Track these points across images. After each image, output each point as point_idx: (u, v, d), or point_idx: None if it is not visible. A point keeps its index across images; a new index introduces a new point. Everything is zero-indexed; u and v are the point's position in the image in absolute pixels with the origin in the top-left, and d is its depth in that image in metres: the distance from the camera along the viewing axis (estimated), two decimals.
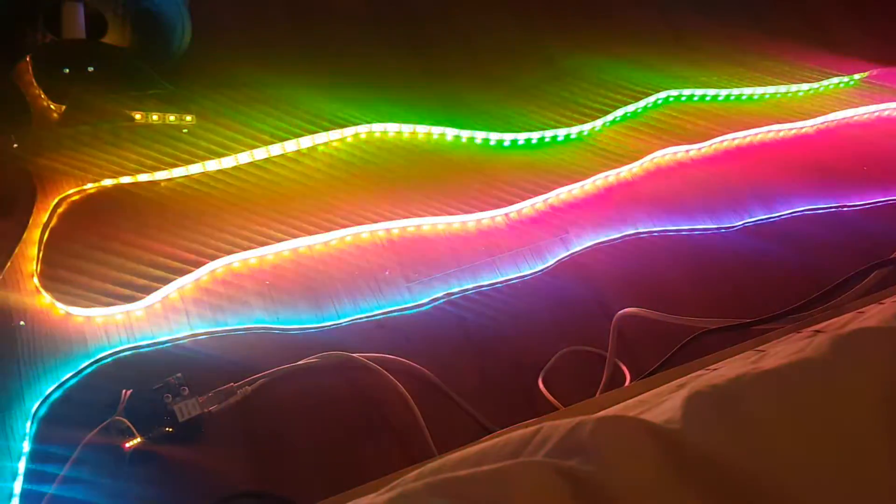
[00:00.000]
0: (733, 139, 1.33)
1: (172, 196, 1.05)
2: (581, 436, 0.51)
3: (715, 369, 0.72)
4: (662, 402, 0.60)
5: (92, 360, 0.91)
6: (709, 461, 0.50)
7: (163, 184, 1.06)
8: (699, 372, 0.74)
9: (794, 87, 1.43)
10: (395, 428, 0.94)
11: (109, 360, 0.92)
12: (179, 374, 0.91)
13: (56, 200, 1.00)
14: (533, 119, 1.25)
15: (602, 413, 0.59)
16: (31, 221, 0.98)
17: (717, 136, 1.32)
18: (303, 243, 1.05)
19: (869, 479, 0.52)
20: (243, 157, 1.10)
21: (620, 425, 0.52)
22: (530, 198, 1.16)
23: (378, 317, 1.02)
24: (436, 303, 1.05)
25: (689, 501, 0.49)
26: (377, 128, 1.17)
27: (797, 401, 0.55)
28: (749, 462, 0.50)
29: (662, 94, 1.34)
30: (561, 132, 1.25)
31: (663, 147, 1.28)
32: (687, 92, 1.36)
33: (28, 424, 0.85)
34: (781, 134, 1.37)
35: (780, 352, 0.65)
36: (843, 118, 1.42)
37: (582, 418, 0.52)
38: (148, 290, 0.96)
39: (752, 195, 1.26)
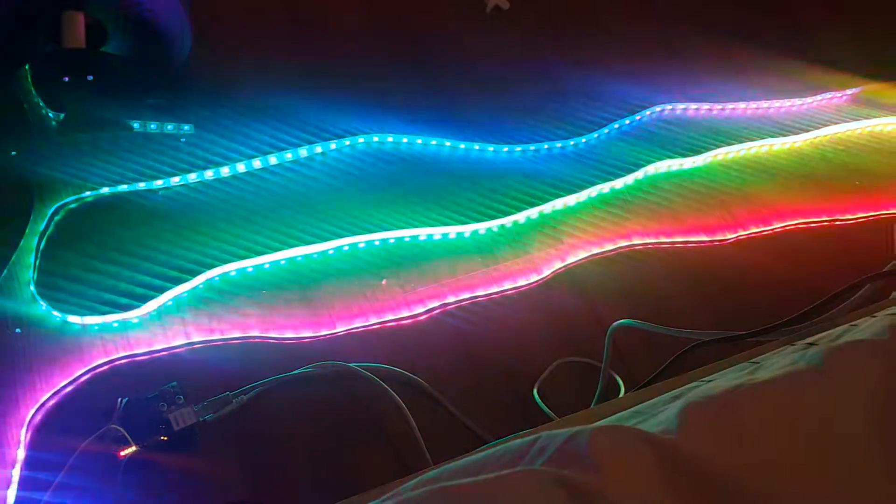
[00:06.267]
0: (727, 152, 1.34)
1: (170, 205, 1.05)
2: (579, 445, 0.51)
3: (709, 381, 0.73)
4: (658, 413, 0.60)
5: (87, 368, 0.91)
6: (705, 471, 0.51)
7: (160, 193, 1.06)
8: (694, 383, 0.74)
9: (787, 101, 1.44)
10: (391, 437, 0.94)
11: (105, 368, 0.92)
12: (175, 383, 0.90)
13: (53, 208, 1.00)
14: (529, 130, 1.26)
15: (599, 423, 0.59)
16: (27, 229, 0.98)
17: (711, 149, 1.33)
18: (299, 253, 1.05)
19: (862, 488, 0.52)
20: (241, 167, 1.10)
21: (618, 435, 0.52)
22: (526, 208, 1.17)
23: (374, 326, 1.02)
24: (432, 313, 1.05)
25: None
26: (374, 138, 1.18)
27: (792, 412, 0.55)
28: (745, 472, 0.51)
29: (657, 107, 1.35)
30: (557, 144, 1.26)
31: (657, 159, 1.28)
32: (681, 105, 1.37)
33: (22, 432, 0.85)
34: (775, 147, 1.38)
35: (775, 364, 0.66)
36: (836, 132, 1.44)
37: (580, 428, 0.52)
38: (144, 299, 0.96)
39: (745, 208, 1.27)
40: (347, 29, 1.31)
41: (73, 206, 1.02)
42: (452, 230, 1.12)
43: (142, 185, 1.05)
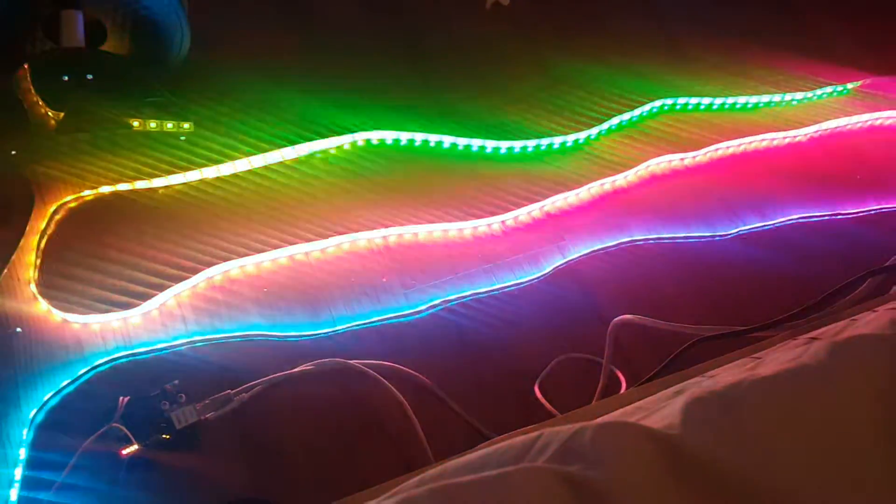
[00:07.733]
0: (727, 147, 1.34)
1: (170, 203, 1.05)
2: (582, 442, 0.51)
3: (712, 376, 0.73)
4: (661, 409, 0.60)
5: (89, 367, 0.91)
6: (708, 466, 0.50)
7: (160, 191, 1.06)
8: (696, 378, 0.74)
9: (787, 96, 1.44)
10: (392, 435, 0.94)
11: (106, 367, 0.92)
12: (177, 381, 0.90)
13: (54, 207, 1.00)
14: (529, 127, 1.26)
15: (602, 419, 0.59)
16: (28, 228, 0.98)
17: (712, 144, 1.33)
18: (300, 250, 1.05)
19: (865, 482, 0.52)
20: (241, 165, 1.10)
21: (621, 431, 0.52)
22: (526, 205, 1.17)
23: (375, 324, 1.02)
24: (433, 310, 1.05)
25: None
26: (374, 135, 1.18)
27: (795, 406, 0.55)
28: (747, 467, 0.51)
29: (657, 103, 1.35)
30: (557, 140, 1.25)
31: (658, 155, 1.28)
32: (682, 100, 1.37)
33: (25, 431, 0.85)
34: (775, 142, 1.38)
35: (777, 359, 0.66)
36: (837, 127, 1.43)
37: (582, 424, 0.52)
38: (145, 297, 0.96)
39: (746, 203, 1.27)
40: (346, 26, 1.30)
41: (73, 204, 1.02)
42: (453, 227, 1.12)
43: (142, 184, 1.05)
